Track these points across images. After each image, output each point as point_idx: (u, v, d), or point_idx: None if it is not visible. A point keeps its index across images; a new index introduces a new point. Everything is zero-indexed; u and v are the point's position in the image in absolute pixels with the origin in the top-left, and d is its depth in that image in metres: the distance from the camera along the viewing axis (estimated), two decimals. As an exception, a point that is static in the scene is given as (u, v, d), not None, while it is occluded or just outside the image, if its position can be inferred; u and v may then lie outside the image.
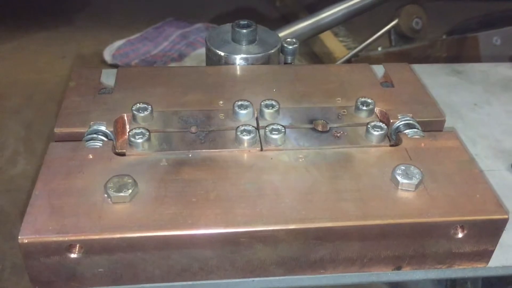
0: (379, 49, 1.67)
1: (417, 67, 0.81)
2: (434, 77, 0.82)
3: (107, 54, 2.07)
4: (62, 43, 2.26)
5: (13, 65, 2.12)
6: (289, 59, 0.76)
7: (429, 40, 1.64)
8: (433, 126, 0.60)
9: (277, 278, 0.50)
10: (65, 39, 2.30)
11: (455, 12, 1.86)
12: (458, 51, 1.64)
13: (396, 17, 1.63)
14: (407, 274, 0.52)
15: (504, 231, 0.52)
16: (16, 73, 2.06)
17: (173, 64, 2.00)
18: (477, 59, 1.59)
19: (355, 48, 1.62)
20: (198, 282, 0.49)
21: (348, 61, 1.57)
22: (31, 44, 2.26)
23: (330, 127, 0.58)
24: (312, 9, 1.08)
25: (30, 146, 1.69)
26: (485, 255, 0.51)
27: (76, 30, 2.37)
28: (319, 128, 0.58)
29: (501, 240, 0.51)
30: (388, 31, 1.65)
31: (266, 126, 0.56)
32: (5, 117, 1.83)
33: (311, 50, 2.12)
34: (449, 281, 0.95)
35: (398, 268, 0.51)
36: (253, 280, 0.50)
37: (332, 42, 1.96)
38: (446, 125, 0.68)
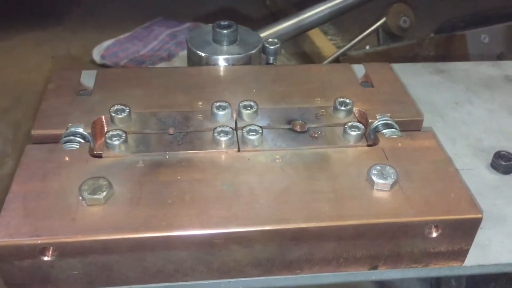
0: (367, 47, 1.67)
1: (400, 67, 0.81)
2: (416, 77, 0.82)
3: (96, 54, 2.06)
4: (51, 44, 2.25)
5: (1, 65, 2.11)
6: (271, 59, 0.76)
7: (417, 39, 1.64)
8: (411, 126, 0.60)
9: (254, 278, 0.50)
10: (54, 39, 2.28)
11: (443, 10, 1.87)
12: (446, 49, 1.65)
13: (384, 15, 1.64)
14: (384, 273, 0.52)
15: (480, 230, 0.52)
16: (4, 74, 2.05)
17: (162, 64, 1.99)
18: (465, 57, 1.60)
19: (343, 46, 1.62)
20: (174, 284, 0.49)
21: (336, 59, 1.58)
22: (20, 44, 2.25)
23: (308, 128, 0.59)
24: (302, 8, 1.08)
25: (18, 147, 1.68)
26: (461, 254, 0.51)
27: (65, 30, 2.36)
28: (297, 129, 0.58)
29: (477, 239, 0.51)
30: (376, 29, 1.65)
31: (244, 127, 0.56)
32: (-7, 118, 1.82)
33: (302, 50, 2.13)
34: (434, 279, 0.96)
35: (375, 267, 0.51)
36: (229, 281, 0.50)
37: (321, 41, 1.96)
38: (427, 124, 0.68)
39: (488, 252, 0.53)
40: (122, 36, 2.16)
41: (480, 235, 0.54)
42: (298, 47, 2.11)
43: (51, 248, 0.44)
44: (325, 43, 1.96)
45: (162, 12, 2.37)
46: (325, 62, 1.57)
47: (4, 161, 1.61)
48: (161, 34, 2.15)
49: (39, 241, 0.43)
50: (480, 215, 0.48)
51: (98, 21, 2.42)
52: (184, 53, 2.01)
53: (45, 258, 0.44)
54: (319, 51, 1.94)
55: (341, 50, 1.53)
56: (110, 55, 2.04)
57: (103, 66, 2.02)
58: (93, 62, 2.08)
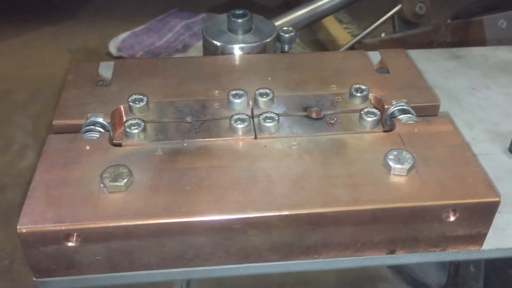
0: (383, 35, 1.66)
1: (416, 53, 0.81)
2: (432, 62, 0.82)
3: (112, 47, 2.08)
4: (67, 38, 2.28)
5: (19, 60, 2.15)
6: (286, 47, 0.76)
7: (433, 25, 1.62)
8: (427, 111, 0.60)
9: (272, 263, 0.51)
10: (70, 33, 2.31)
11: (459, -4, 1.85)
12: (463, 35, 1.62)
13: (399, 2, 1.62)
14: (401, 258, 0.52)
15: (498, 214, 0.52)
16: (22, 68, 2.08)
17: (177, 55, 2.00)
18: (482, 43, 1.58)
19: (359, 34, 1.61)
20: (193, 269, 0.50)
21: (352, 47, 1.56)
22: (37, 39, 2.28)
23: (324, 114, 0.59)
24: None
25: (38, 139, 1.72)
26: (479, 238, 0.51)
27: (81, 24, 2.38)
28: (313, 116, 0.59)
29: (495, 222, 0.51)
30: (392, 17, 1.63)
31: (260, 115, 0.56)
32: (13, 112, 1.85)
33: (317, 38, 2.12)
34: (452, 265, 0.96)
35: (392, 252, 0.51)
36: (247, 266, 0.50)
37: (336, 29, 1.95)
38: (444, 109, 0.68)
39: (506, 236, 0.54)
40: (137, 29, 2.18)
41: (498, 219, 0.53)
42: (313, 35, 2.10)
43: (75, 234, 0.45)
44: (340, 32, 1.95)
45: (177, 4, 2.38)
46: (341, 50, 1.56)
47: (25, 153, 1.65)
48: (176, 26, 2.16)
49: (63, 227, 0.45)
50: (498, 199, 0.48)
51: (113, 14, 2.44)
52: (199, 44, 2.02)
53: (69, 244, 0.46)
54: (334, 40, 1.93)
55: (357, 38, 1.52)
56: (126, 47, 2.06)
57: (120, 58, 2.04)
58: (109, 54, 2.10)
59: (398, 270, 1.12)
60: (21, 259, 1.28)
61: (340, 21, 2.03)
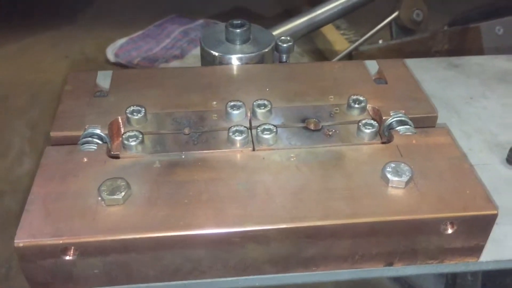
0: (380, 41, 1.66)
1: (414, 62, 0.81)
2: (430, 72, 0.82)
3: (110, 53, 2.08)
4: (65, 43, 2.28)
5: (17, 65, 2.14)
6: (284, 57, 0.76)
7: (430, 32, 1.63)
8: (425, 122, 0.60)
9: (270, 276, 0.51)
10: (68, 38, 2.31)
11: (456, 2, 1.85)
12: (460, 42, 1.63)
13: (397, 9, 1.63)
14: (399, 270, 0.52)
15: (496, 225, 0.52)
16: (20, 74, 2.08)
17: (175, 61, 2.00)
18: (479, 50, 1.58)
19: (356, 41, 1.61)
20: (192, 282, 0.50)
21: (349, 54, 1.57)
22: (35, 44, 2.28)
23: (322, 126, 0.59)
24: (315, 2, 1.07)
25: (36, 146, 1.71)
26: (476, 250, 0.51)
27: (79, 30, 2.38)
28: (311, 127, 0.59)
29: (493, 234, 0.51)
30: (389, 23, 1.64)
31: (258, 126, 0.56)
32: (10, 117, 1.85)
33: (314, 46, 2.12)
34: (449, 274, 0.96)
35: (390, 264, 0.51)
36: (246, 279, 0.50)
37: (333, 36, 1.96)
38: (442, 119, 0.68)
39: (504, 247, 0.54)
40: (135, 34, 2.18)
41: (496, 231, 0.53)
42: (311, 43, 2.10)
43: (73, 247, 0.45)
44: (337, 38, 1.95)
45: (175, 10, 2.38)
46: (338, 57, 1.56)
47: (22, 160, 1.64)
48: (174, 32, 2.16)
49: (61, 241, 0.45)
50: (495, 211, 0.48)
51: (111, 20, 2.43)
52: (196, 50, 2.02)
53: (67, 258, 0.46)
54: (331, 46, 1.94)
55: (354, 45, 1.52)
56: (123, 53, 2.05)
57: (117, 64, 2.04)
58: (107, 60, 2.10)
59: (396, 278, 1.12)
60: (18, 267, 1.27)
61: (337, 27, 2.04)
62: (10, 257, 1.28)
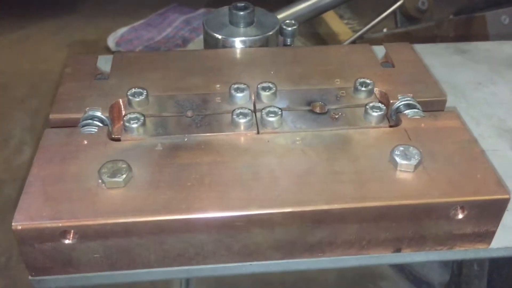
0: (385, 30, 1.65)
1: (421, 47, 0.79)
2: (438, 57, 0.80)
3: (111, 42, 2.06)
4: (66, 32, 2.26)
5: (17, 54, 2.13)
6: (288, 41, 0.75)
7: (435, 21, 1.61)
8: (434, 106, 0.59)
9: (275, 261, 0.49)
10: (69, 27, 2.29)
11: (462, -9, 1.83)
12: (466, 31, 1.61)
13: (402, -3, 1.60)
14: (407, 256, 0.51)
15: (506, 212, 0.51)
16: (21, 63, 2.06)
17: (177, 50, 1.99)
18: (485, 38, 1.56)
19: (360, 30, 1.59)
20: (194, 267, 0.48)
21: (353, 43, 1.55)
22: (36, 33, 2.26)
23: (328, 109, 0.57)
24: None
25: (36, 135, 1.70)
26: (487, 236, 0.50)
27: (80, 18, 2.36)
28: (317, 110, 0.57)
29: (503, 220, 0.50)
30: (394, 12, 1.62)
31: (263, 109, 0.55)
32: (11, 106, 1.84)
33: (317, 33, 2.10)
34: (455, 264, 0.95)
35: (398, 250, 0.50)
36: (250, 264, 0.49)
37: (337, 25, 1.94)
38: (450, 104, 0.66)
39: (515, 234, 0.52)
40: (136, 23, 2.16)
41: (506, 217, 0.52)
42: (314, 32, 2.08)
43: (72, 231, 0.44)
44: (341, 27, 1.93)
45: (176, -1, 2.36)
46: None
47: (22, 149, 1.63)
48: (175, 21, 2.14)
49: (60, 224, 0.43)
50: (507, 196, 0.47)
51: (112, 9, 2.42)
52: (198, 39, 2.00)
53: (66, 241, 0.44)
54: (335, 35, 1.92)
55: (358, 33, 1.50)
56: (124, 42, 2.04)
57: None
58: (108, 49, 2.08)
59: (400, 268, 1.11)
60: (18, 256, 1.27)
61: (341, 17, 2.01)
62: (10, 246, 1.28)
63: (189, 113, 0.56)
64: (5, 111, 1.81)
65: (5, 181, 1.51)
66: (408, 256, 0.51)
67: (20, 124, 1.75)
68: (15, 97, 1.89)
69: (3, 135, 1.70)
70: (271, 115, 0.54)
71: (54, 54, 2.12)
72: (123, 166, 0.48)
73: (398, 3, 1.60)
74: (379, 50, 0.70)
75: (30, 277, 0.47)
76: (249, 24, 0.71)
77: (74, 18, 2.38)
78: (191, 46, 2.00)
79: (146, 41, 2.06)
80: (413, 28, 1.61)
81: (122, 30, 2.12)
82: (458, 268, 0.93)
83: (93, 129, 0.53)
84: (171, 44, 2.01)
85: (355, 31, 1.82)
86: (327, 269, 0.56)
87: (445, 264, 0.99)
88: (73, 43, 2.19)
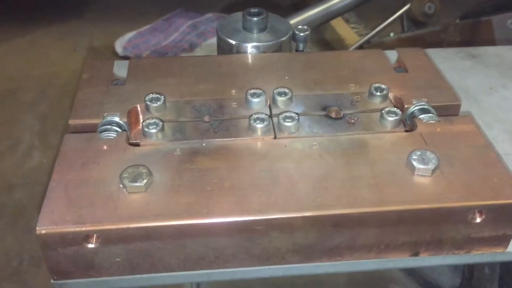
0: (391, 35, 1.65)
1: (431, 52, 0.79)
2: (448, 62, 0.80)
3: (118, 46, 2.07)
4: (73, 37, 2.27)
5: (26, 59, 2.14)
6: (301, 46, 0.75)
7: (442, 25, 1.61)
8: (448, 111, 0.59)
9: (294, 265, 0.50)
10: (76, 32, 2.30)
11: (468, -5, 1.83)
12: (472, 35, 1.61)
13: (408, 2, 1.61)
14: (425, 260, 0.51)
15: (522, 216, 0.51)
16: (29, 68, 2.07)
17: (184, 55, 2.00)
18: (491, 43, 1.56)
19: (366, 34, 1.60)
20: (215, 271, 0.49)
21: (360, 47, 1.56)
22: (43, 38, 2.28)
23: (343, 114, 0.58)
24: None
25: (45, 139, 1.71)
26: (504, 240, 0.50)
27: (87, 23, 2.38)
28: (333, 115, 0.58)
29: (520, 224, 0.50)
30: (400, 16, 1.62)
31: (279, 114, 0.55)
32: (19, 111, 1.85)
33: (323, 37, 2.11)
34: (466, 266, 0.95)
35: (416, 254, 0.50)
36: (269, 268, 0.50)
37: (343, 29, 1.94)
38: (462, 109, 0.67)
39: (531, 238, 0.52)
40: (143, 28, 2.17)
41: (522, 221, 0.52)
42: (320, 37, 2.09)
43: (95, 235, 0.45)
44: (347, 32, 1.93)
45: (182, 4, 2.37)
46: (350, 50, 1.55)
47: (32, 153, 1.64)
48: (182, 26, 2.15)
49: (84, 228, 0.44)
50: (525, 200, 0.47)
51: (119, 13, 2.43)
52: (205, 43, 2.01)
53: (89, 245, 0.45)
54: (341, 40, 1.92)
55: (365, 38, 1.51)
56: (132, 47, 2.05)
57: (125, 58, 2.03)
58: (115, 54, 2.09)
59: (410, 271, 1.11)
60: (29, 260, 1.27)
61: (347, 21, 2.02)
62: (21, 250, 1.28)
63: (206, 118, 0.57)
64: (14, 115, 1.82)
65: (16, 186, 1.52)
66: (426, 260, 0.51)
67: (29, 129, 1.76)
68: (24, 102, 1.90)
69: (13, 139, 1.71)
70: (288, 120, 0.55)
71: (61, 59, 2.13)
72: (144, 171, 0.48)
73: (405, 8, 1.60)
74: (392, 55, 0.70)
75: (52, 281, 0.48)
76: (262, 30, 0.72)
77: (81, 23, 2.39)
78: (198, 51, 2.01)
79: (153, 46, 2.07)
80: (420, 33, 1.61)
81: (129, 35, 2.13)
82: (469, 272, 0.93)
83: (112, 134, 0.54)
84: (178, 49, 2.02)
85: (361, 35, 1.82)
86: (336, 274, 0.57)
87: (455, 267, 0.99)
88: (80, 48, 2.20)
